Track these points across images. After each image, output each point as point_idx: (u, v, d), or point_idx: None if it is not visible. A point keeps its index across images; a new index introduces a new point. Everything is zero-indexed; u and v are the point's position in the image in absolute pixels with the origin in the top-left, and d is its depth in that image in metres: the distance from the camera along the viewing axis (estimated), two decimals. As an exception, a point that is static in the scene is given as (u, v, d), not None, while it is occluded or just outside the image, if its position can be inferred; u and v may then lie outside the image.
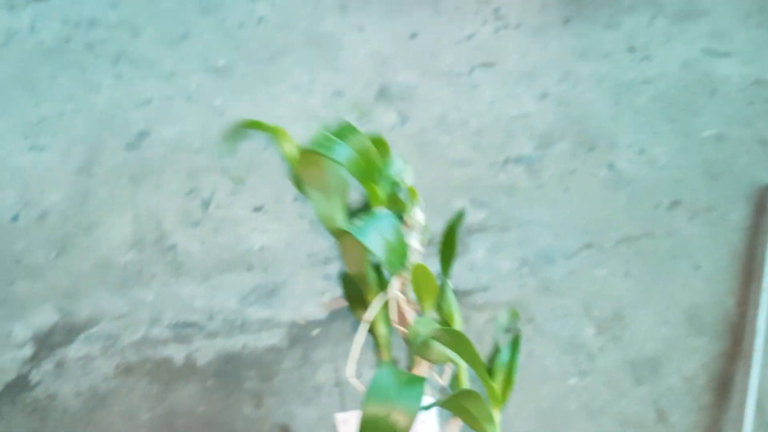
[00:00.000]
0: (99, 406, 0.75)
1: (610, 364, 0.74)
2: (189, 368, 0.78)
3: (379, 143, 0.57)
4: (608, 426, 0.69)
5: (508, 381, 0.52)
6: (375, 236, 0.48)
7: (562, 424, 0.70)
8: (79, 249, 0.89)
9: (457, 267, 0.84)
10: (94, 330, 0.82)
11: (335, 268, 0.86)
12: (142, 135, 1.02)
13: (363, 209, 0.56)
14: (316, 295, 0.83)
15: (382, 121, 1.02)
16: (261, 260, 0.87)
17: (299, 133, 1.00)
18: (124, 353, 0.80)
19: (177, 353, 0.79)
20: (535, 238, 0.86)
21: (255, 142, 1.00)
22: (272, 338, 0.80)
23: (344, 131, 0.50)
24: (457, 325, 0.52)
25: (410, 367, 0.53)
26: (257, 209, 0.93)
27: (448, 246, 0.56)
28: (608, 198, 0.90)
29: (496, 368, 0.52)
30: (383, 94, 1.06)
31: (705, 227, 0.86)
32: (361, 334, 0.50)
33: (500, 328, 0.56)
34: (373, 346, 0.53)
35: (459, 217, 0.56)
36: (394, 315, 0.52)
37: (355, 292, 0.54)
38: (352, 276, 0.53)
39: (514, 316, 0.58)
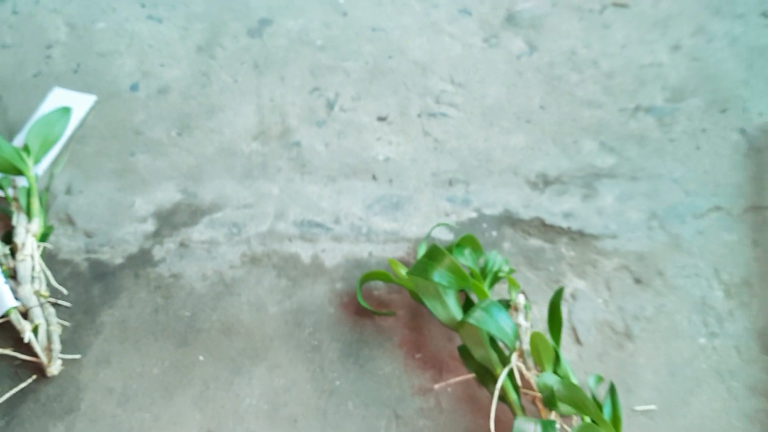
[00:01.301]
0: (226, 292, 0.75)
1: (739, 330, 0.74)
2: (317, 267, 0.77)
3: (471, 241, 0.74)
4: (737, 390, 0.70)
5: (617, 421, 0.62)
6: (490, 321, 0.63)
7: (692, 381, 0.71)
8: (201, 131, 0.87)
9: (585, 210, 0.84)
10: (218, 215, 0.81)
11: (460, 191, 0.85)
12: (264, 23, 0.98)
13: (471, 303, 0.70)
14: (440, 215, 0.82)
15: (510, 47, 0.99)
16: (385, 171, 0.86)
17: (424, 45, 0.97)
18: (249, 243, 0.79)
19: (304, 251, 0.78)
20: (664, 192, 0.86)
21: (379, 48, 0.97)
22: (398, 251, 0.79)
23: (435, 254, 0.66)
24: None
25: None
26: (381, 119, 0.90)
27: (554, 319, 0.67)
28: (738, 163, 0.89)
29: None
30: (511, 19, 1.03)
31: (835, 208, 0.86)
32: (494, 403, 0.62)
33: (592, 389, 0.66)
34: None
35: (559, 293, 0.67)
36: (519, 381, 0.65)
37: (482, 370, 0.66)
38: (477, 358, 0.66)
39: (599, 380, 0.67)
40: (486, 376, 0.67)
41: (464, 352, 0.68)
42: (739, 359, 0.72)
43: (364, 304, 0.72)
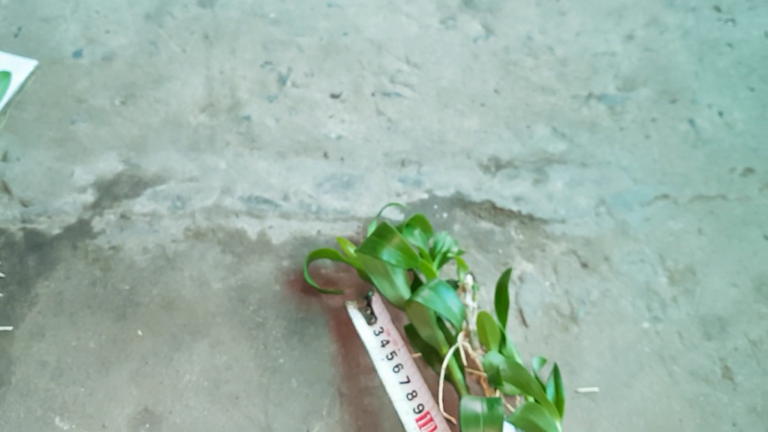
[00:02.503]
0: (168, 266, 0.73)
1: (682, 316, 0.75)
2: (263, 244, 0.75)
3: (421, 221, 0.74)
4: (678, 375, 0.71)
5: (560, 403, 0.62)
6: (438, 300, 0.63)
7: (635, 365, 0.71)
8: (147, 100, 0.84)
9: (535, 195, 0.84)
10: (162, 188, 0.78)
11: (412, 172, 0.84)
12: (217, -7, 0.96)
13: (419, 283, 0.70)
14: (392, 195, 0.82)
15: (467, 30, 0.99)
16: (337, 149, 0.84)
17: (380, 24, 0.96)
18: (194, 217, 0.77)
19: (250, 227, 0.77)
20: (613, 179, 0.86)
21: (334, 25, 0.96)
22: (348, 230, 0.78)
23: (385, 233, 0.65)
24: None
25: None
26: (335, 96, 0.89)
27: (501, 300, 0.67)
28: (686, 153, 0.90)
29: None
30: (469, 2, 1.02)
31: (777, 199, 0.87)
32: (440, 383, 0.62)
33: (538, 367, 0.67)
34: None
35: (507, 274, 0.67)
36: (464, 360, 0.64)
37: (428, 349, 0.67)
38: (424, 338, 0.66)
39: (543, 362, 0.68)
40: (432, 356, 0.66)
41: (411, 332, 0.68)
42: (681, 344, 0.73)
43: (311, 281, 0.71)
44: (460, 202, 0.82)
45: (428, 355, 0.66)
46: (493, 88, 0.93)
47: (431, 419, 0.60)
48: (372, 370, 0.67)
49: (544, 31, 1.00)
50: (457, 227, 0.80)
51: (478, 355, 0.64)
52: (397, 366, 0.64)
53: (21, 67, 0.84)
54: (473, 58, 0.96)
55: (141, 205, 0.77)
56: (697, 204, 0.86)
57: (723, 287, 0.79)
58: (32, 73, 0.84)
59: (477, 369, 0.64)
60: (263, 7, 0.95)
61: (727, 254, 0.81)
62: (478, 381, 0.65)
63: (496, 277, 0.76)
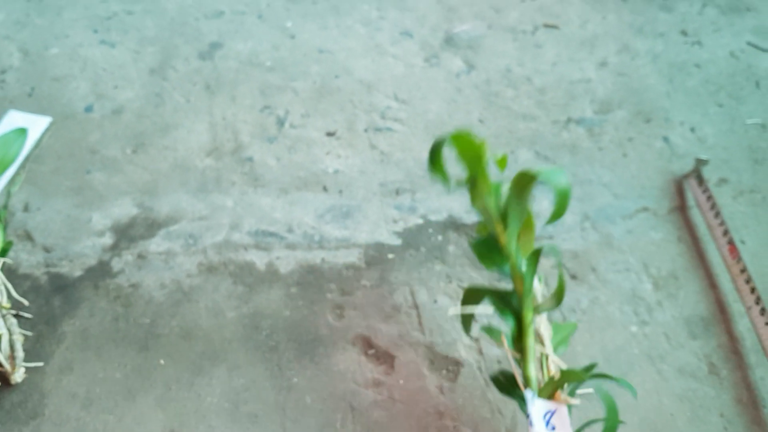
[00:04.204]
0: (184, 299, 0.78)
1: (667, 318, 0.80)
2: (272, 274, 0.81)
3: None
4: (667, 373, 0.76)
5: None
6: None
7: (626, 366, 0.76)
8: (156, 148, 0.90)
9: (523, 213, 0.89)
10: (174, 228, 0.84)
11: (406, 199, 0.89)
12: (215, 46, 1.02)
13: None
14: (388, 222, 0.87)
15: (449, 66, 1.05)
16: (335, 183, 0.90)
17: (369, 66, 1.03)
18: (206, 253, 0.82)
19: (259, 259, 0.82)
20: (595, 195, 0.92)
21: (326, 69, 1.02)
22: (350, 257, 0.83)
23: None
24: None
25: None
26: (330, 134, 0.95)
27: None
28: (663, 168, 0.96)
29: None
30: (450, 41, 1.09)
31: (749, 207, 0.93)
32: None
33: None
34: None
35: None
36: None
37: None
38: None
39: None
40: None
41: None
42: (668, 344, 0.78)
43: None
44: (453, 225, 0.88)
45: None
46: (477, 118, 0.99)
47: None
48: (380, 384, 0.72)
49: (522, 63, 1.07)
50: (451, 248, 0.85)
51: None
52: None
53: (36, 124, 0.90)
54: (457, 91, 1.02)
55: (156, 244, 0.82)
56: (675, 214, 0.91)
57: (704, 289, 0.84)
58: (47, 129, 0.91)
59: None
60: (259, 57, 1.02)
61: (706, 259, 0.87)
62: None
63: (491, 292, 0.81)
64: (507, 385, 0.65)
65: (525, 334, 0.62)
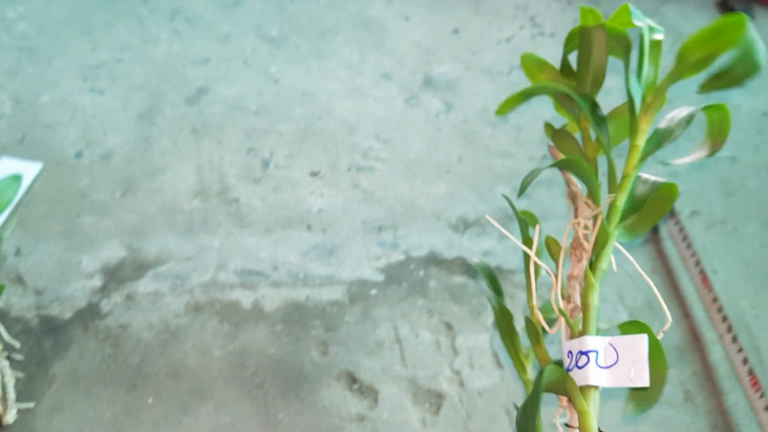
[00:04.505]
0: (172, 339, 0.80)
1: (642, 346, 0.83)
2: (257, 312, 0.83)
3: None
4: (642, 398, 0.78)
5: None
6: None
7: (603, 394, 0.78)
8: (144, 191, 0.93)
9: (502, 249, 0.92)
10: (162, 269, 0.86)
11: (388, 236, 0.92)
12: (202, 91, 1.06)
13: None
14: (371, 259, 0.90)
15: (429, 107, 1.09)
16: (319, 221, 0.93)
17: (351, 107, 1.06)
18: (193, 293, 0.84)
19: (244, 298, 0.84)
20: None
21: (310, 111, 1.06)
22: (334, 294, 0.86)
23: None
24: None
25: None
26: (314, 174, 0.98)
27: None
28: (636, 201, 0.99)
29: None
30: (429, 82, 1.13)
31: (721, 237, 0.96)
32: None
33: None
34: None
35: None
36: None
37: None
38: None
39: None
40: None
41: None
42: (642, 372, 0.80)
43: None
44: (434, 260, 0.91)
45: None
46: (456, 156, 1.03)
47: None
48: (364, 418, 0.74)
49: (499, 102, 1.11)
50: (433, 283, 0.88)
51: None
52: None
53: (28, 170, 0.93)
54: (436, 131, 1.06)
55: (144, 285, 0.85)
56: (648, 246, 0.94)
57: (678, 318, 0.87)
58: (38, 175, 0.93)
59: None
60: (244, 101, 1.05)
61: (679, 288, 0.90)
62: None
63: (472, 326, 0.84)
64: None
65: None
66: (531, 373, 0.59)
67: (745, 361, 0.79)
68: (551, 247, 0.59)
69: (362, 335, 0.82)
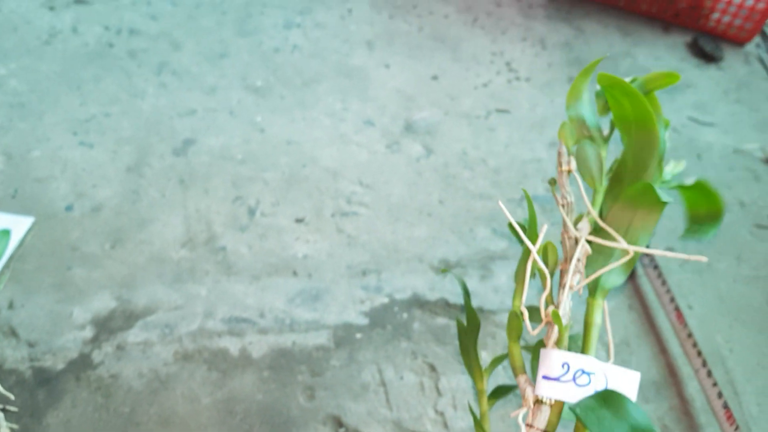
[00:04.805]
0: (162, 387, 0.82)
1: (620, 382, 0.85)
2: (245, 359, 0.85)
3: None
4: None
5: None
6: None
7: (582, 429, 0.80)
8: (133, 242, 0.96)
9: (483, 289, 0.95)
10: (151, 318, 0.88)
11: (372, 280, 0.95)
12: (188, 142, 1.09)
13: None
14: (356, 303, 0.92)
15: (410, 152, 1.13)
16: (305, 267, 0.96)
17: (334, 154, 1.10)
18: (181, 341, 0.86)
19: (232, 345, 0.86)
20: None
21: (294, 159, 1.09)
22: (319, 338, 0.88)
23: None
24: None
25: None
26: (299, 221, 1.01)
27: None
28: (612, 239, 1.02)
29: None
30: (409, 127, 1.16)
31: (695, 273, 0.99)
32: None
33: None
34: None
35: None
36: None
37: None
38: None
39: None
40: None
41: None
42: (620, 408, 0.83)
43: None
44: (417, 302, 0.93)
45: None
46: (437, 199, 1.06)
47: None
48: (350, 460, 0.76)
49: (477, 146, 1.15)
50: (416, 325, 0.90)
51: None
52: None
53: (20, 224, 0.96)
54: (417, 175, 1.09)
55: (134, 335, 0.87)
56: (625, 283, 0.97)
57: (654, 355, 0.89)
58: (30, 229, 0.96)
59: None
60: (230, 150, 1.09)
61: (656, 325, 0.92)
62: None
63: (455, 366, 0.86)
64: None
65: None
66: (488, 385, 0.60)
67: (720, 395, 0.82)
68: (548, 253, 0.59)
69: (348, 379, 0.84)
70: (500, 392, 0.64)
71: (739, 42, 1.40)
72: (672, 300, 0.92)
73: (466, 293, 0.62)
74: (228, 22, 1.30)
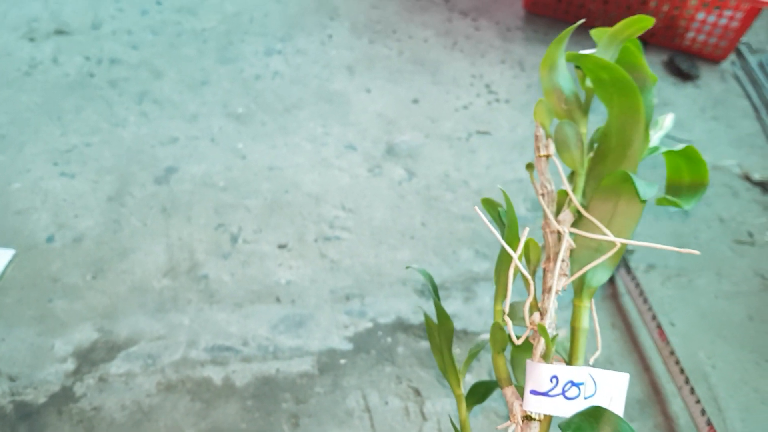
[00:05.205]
0: (144, 419, 0.81)
1: (604, 401, 0.85)
2: (228, 388, 0.85)
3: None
4: (606, 453, 0.80)
5: None
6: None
7: None
8: (115, 273, 0.95)
9: (467, 311, 0.95)
10: (133, 349, 0.88)
11: (356, 304, 0.95)
12: (170, 170, 1.09)
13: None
14: (339, 328, 0.92)
15: (392, 175, 1.13)
16: (288, 293, 0.95)
17: (316, 179, 1.10)
18: (164, 372, 0.86)
19: (215, 374, 0.86)
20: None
21: (276, 185, 1.09)
22: (303, 365, 0.88)
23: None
24: None
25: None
26: (282, 247, 1.01)
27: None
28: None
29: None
30: (391, 151, 1.17)
31: (677, 290, 1.00)
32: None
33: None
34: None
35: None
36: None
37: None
38: None
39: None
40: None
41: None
42: (605, 428, 0.83)
43: None
44: (401, 326, 0.93)
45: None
46: (420, 222, 1.06)
47: None
48: (335, 488, 0.76)
49: (459, 168, 1.15)
50: (400, 349, 0.90)
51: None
52: None
53: (0, 258, 0.95)
54: (400, 198, 1.10)
55: (116, 367, 0.86)
56: (608, 302, 0.98)
57: (639, 372, 0.89)
58: (11, 262, 0.95)
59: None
60: (212, 178, 1.09)
61: (638, 343, 0.93)
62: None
63: (440, 390, 0.86)
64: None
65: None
66: (464, 389, 0.56)
67: (704, 412, 0.82)
68: (530, 252, 0.54)
69: (332, 406, 0.84)
70: (479, 392, 0.59)
71: (714, 60, 1.42)
72: (654, 318, 0.93)
73: (434, 289, 0.58)
74: (209, 50, 1.31)
